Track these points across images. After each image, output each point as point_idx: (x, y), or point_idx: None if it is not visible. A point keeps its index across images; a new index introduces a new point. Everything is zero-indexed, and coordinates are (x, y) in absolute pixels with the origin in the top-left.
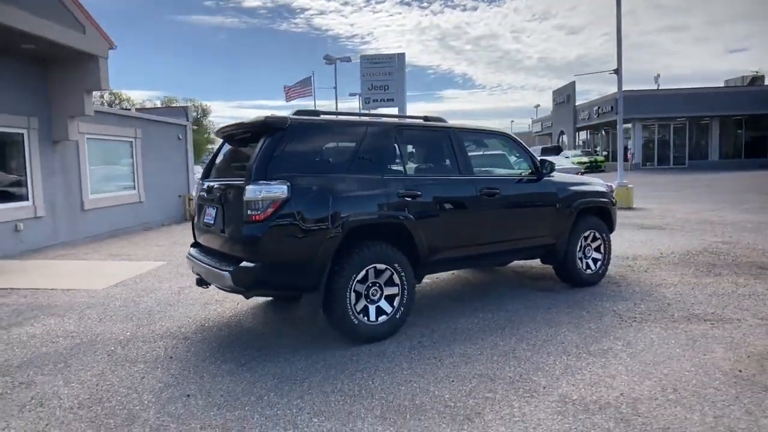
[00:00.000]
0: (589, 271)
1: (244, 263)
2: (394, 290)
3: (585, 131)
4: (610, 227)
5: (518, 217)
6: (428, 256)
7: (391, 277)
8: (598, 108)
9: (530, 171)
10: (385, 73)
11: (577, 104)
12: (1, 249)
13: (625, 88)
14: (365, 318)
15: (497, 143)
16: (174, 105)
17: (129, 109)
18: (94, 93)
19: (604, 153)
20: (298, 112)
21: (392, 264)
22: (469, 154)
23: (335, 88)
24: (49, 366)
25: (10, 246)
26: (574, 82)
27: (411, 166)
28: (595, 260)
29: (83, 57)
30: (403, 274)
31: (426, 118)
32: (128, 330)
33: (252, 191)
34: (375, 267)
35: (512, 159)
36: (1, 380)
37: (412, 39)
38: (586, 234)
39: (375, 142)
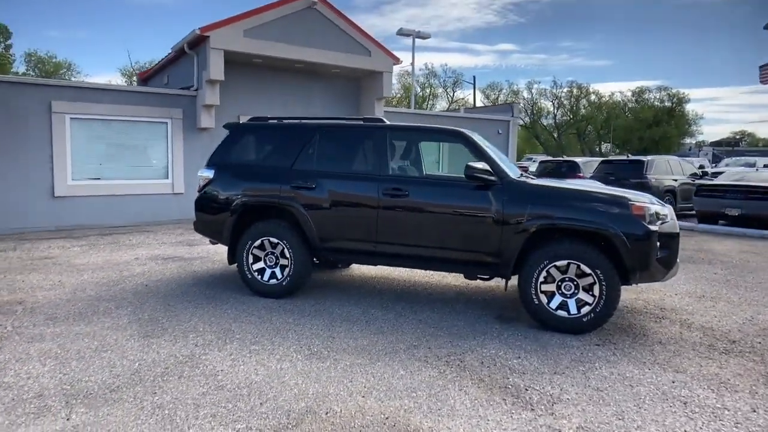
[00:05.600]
0: (562, 314)
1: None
2: (285, 261)
3: None
4: (626, 267)
5: (434, 223)
6: (319, 242)
7: (283, 250)
8: None
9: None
10: None
11: None
12: None
13: None
14: (260, 277)
15: (448, 142)
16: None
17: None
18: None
19: None
20: (251, 119)
21: (283, 240)
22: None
23: None
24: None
25: None
26: None
27: (326, 162)
28: (580, 302)
29: (371, 74)
30: (291, 250)
31: (365, 119)
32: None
33: (200, 172)
34: (269, 239)
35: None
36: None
37: None
38: (559, 264)
39: (293, 140)
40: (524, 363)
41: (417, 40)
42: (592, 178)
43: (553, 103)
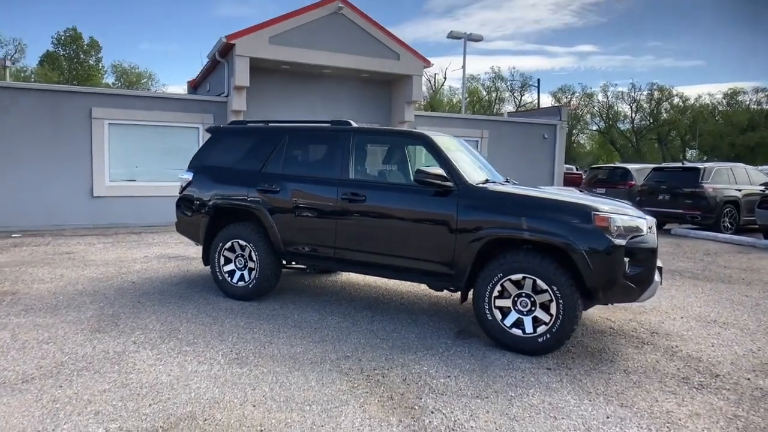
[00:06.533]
0: (517, 332)
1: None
2: (252, 264)
3: None
4: (586, 284)
5: (390, 230)
6: (283, 246)
7: (251, 253)
8: None
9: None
10: None
11: None
12: None
13: None
14: (230, 279)
15: (411, 147)
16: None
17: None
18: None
19: None
20: (231, 122)
21: (250, 243)
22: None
23: None
24: None
25: None
26: None
27: (292, 165)
28: (537, 321)
29: (401, 77)
30: (257, 253)
31: (332, 122)
32: None
33: (180, 174)
34: (239, 242)
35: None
36: None
37: None
38: (514, 278)
39: (264, 143)
40: (450, 383)
41: (489, 43)
42: (642, 186)
43: (631, 107)
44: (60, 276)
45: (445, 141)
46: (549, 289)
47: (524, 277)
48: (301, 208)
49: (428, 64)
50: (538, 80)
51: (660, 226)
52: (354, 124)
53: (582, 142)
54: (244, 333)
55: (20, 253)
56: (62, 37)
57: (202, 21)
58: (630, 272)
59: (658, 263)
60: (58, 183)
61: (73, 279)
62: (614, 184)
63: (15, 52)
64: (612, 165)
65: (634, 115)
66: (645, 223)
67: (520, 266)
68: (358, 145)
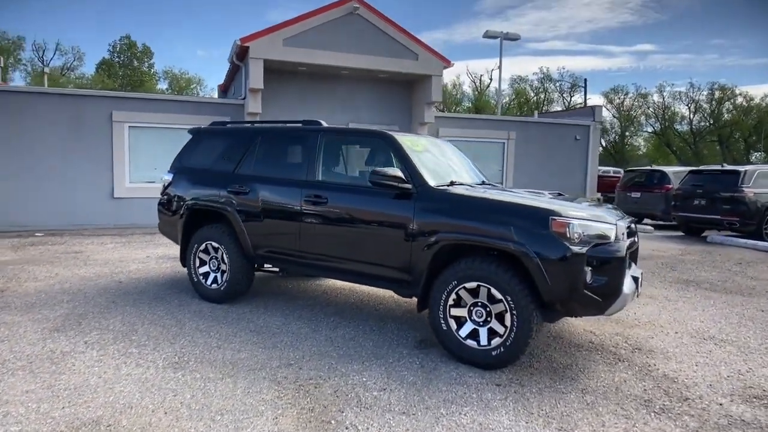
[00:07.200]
0: (472, 343)
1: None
2: (224, 267)
3: None
4: (540, 295)
5: (349, 233)
6: (253, 249)
7: (223, 256)
8: None
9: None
10: None
11: None
12: None
13: None
14: (204, 281)
15: (375, 146)
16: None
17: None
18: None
19: None
20: (211, 123)
21: (222, 245)
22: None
23: None
24: None
25: None
26: None
27: (263, 166)
28: (492, 332)
29: (421, 77)
30: (228, 255)
31: (303, 122)
32: None
33: (161, 175)
34: (212, 244)
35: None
36: None
37: None
38: (469, 286)
39: (238, 144)
40: (382, 397)
41: (542, 44)
42: (677, 190)
43: (689, 107)
44: (55, 275)
45: (413, 140)
46: (503, 299)
47: (479, 286)
48: (268, 210)
49: (448, 64)
50: (585, 80)
51: (697, 233)
52: (324, 124)
53: (636, 144)
54: (199, 336)
55: (32, 251)
56: (117, 45)
57: (255, 25)
58: (592, 283)
59: (638, 272)
60: (80, 184)
61: (65, 278)
62: (650, 187)
63: (74, 60)
64: (648, 168)
65: (692, 116)
66: (614, 229)
67: (474, 274)
68: (326, 146)
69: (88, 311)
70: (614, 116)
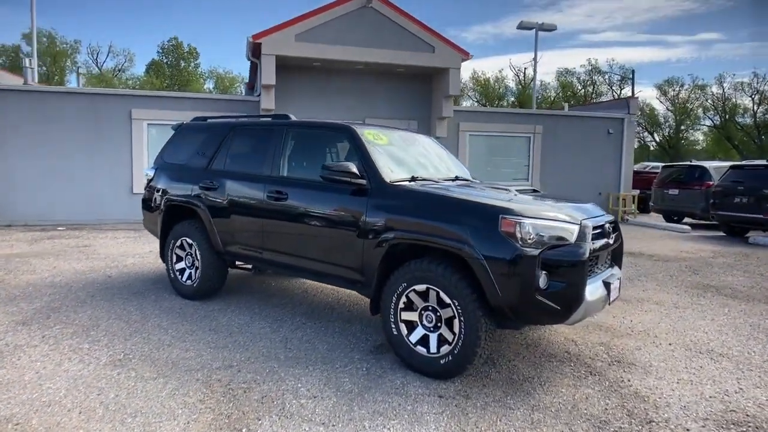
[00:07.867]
0: (422, 350)
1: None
2: (198, 263)
3: None
4: (493, 300)
5: (308, 231)
6: (222, 245)
7: (196, 252)
8: None
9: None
10: None
11: None
12: None
13: None
14: (180, 277)
15: (337, 140)
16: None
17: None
18: None
19: None
20: (193, 119)
21: (195, 241)
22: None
23: None
24: None
25: None
26: None
27: (233, 161)
28: (442, 339)
29: (439, 71)
30: (200, 252)
31: (273, 116)
32: None
33: (146, 170)
34: (186, 240)
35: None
36: None
37: None
38: (419, 289)
39: (213, 139)
40: (309, 405)
41: (597, 35)
42: (716, 188)
43: (753, 99)
44: (52, 268)
45: (375, 133)
46: (451, 303)
47: (428, 288)
48: (234, 206)
49: (466, 56)
50: (633, 71)
51: (740, 234)
52: (293, 118)
53: (693, 138)
54: (156, 333)
55: (45, 245)
56: (165, 46)
57: None
58: (547, 288)
59: (615, 275)
60: (101, 180)
61: (60, 271)
62: (689, 184)
63: (125, 62)
64: (688, 163)
65: (756, 107)
66: (575, 229)
67: (423, 275)
68: (292, 140)
69: (63, 305)
70: (668, 109)
